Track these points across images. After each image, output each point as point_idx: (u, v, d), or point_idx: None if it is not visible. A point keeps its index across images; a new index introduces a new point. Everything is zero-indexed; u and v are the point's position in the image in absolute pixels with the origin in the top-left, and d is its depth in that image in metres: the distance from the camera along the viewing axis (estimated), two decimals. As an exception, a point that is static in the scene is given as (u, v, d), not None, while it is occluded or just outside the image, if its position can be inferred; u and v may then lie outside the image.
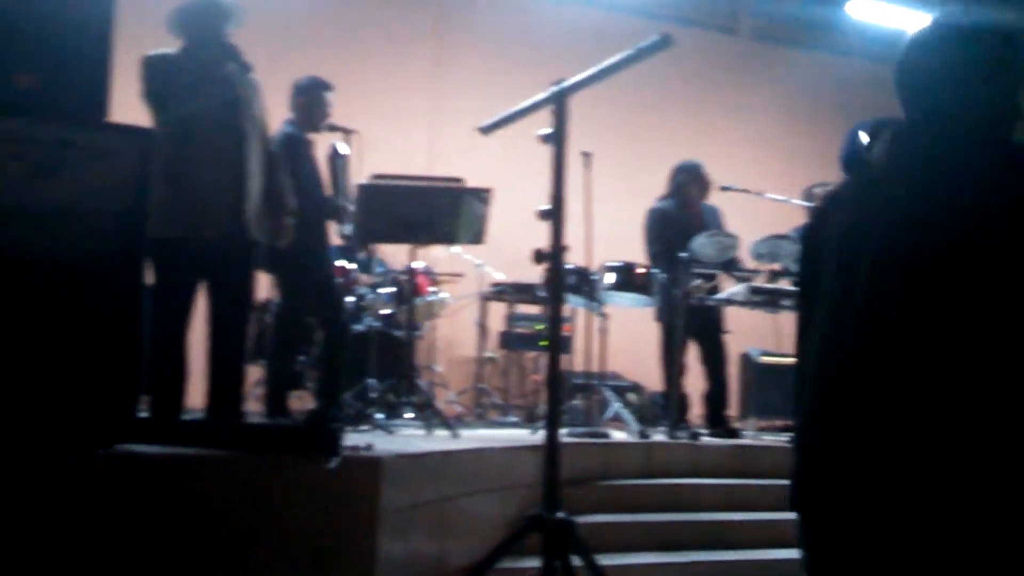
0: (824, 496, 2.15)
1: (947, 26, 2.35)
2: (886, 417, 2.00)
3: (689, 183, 7.31)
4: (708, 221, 7.24)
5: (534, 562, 2.91)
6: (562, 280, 3.04)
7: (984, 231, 1.97)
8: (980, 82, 2.19)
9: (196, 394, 4.80)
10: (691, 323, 6.93)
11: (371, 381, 6.50)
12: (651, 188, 7.95)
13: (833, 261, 2.19)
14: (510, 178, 7.91)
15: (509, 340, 8.87)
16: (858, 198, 2.24)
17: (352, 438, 3.82)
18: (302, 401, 7.13)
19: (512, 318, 8.81)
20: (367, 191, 5.64)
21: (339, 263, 6.79)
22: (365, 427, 5.52)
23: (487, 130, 3.22)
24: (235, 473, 3.36)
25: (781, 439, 7.46)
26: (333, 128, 6.00)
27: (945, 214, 2.02)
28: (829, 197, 2.35)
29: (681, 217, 7.21)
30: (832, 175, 8.40)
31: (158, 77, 4.64)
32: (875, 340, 2.04)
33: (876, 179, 2.21)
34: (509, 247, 7.65)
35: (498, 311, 8.89)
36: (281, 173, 5.16)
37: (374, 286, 7.41)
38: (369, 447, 3.60)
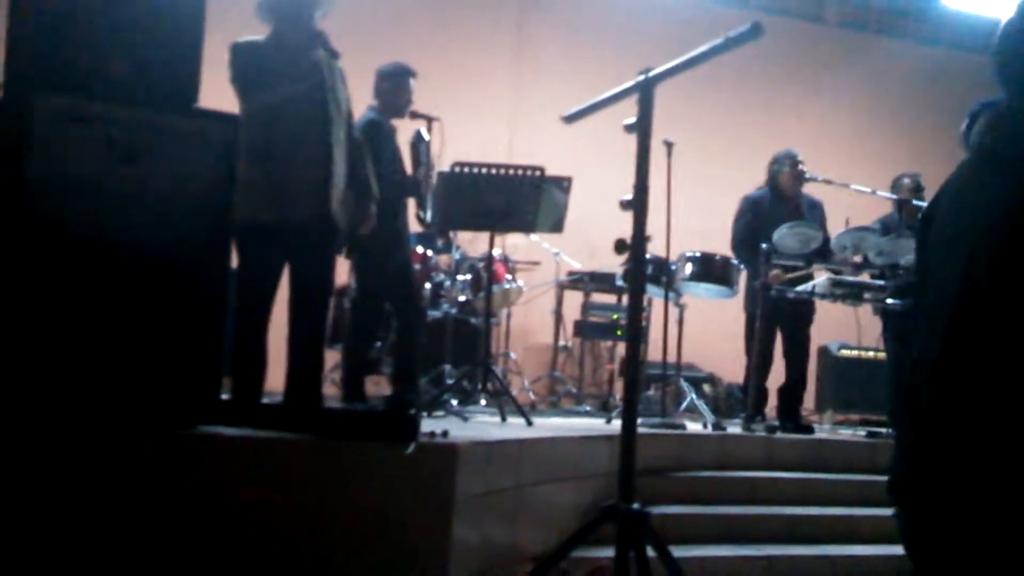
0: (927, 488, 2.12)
1: None
2: (973, 410, 1.97)
3: (780, 172, 7.22)
4: (807, 214, 7.15)
5: (608, 552, 2.90)
6: (643, 270, 3.02)
7: None
8: None
9: (276, 378, 4.86)
10: (778, 315, 6.85)
11: (447, 367, 6.54)
12: (734, 178, 7.89)
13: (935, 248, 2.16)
14: (589, 167, 7.89)
15: (584, 329, 8.86)
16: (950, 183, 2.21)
17: (428, 424, 3.85)
18: (378, 387, 7.20)
19: (588, 307, 8.79)
20: (448, 178, 5.66)
21: (417, 249, 6.85)
22: (440, 413, 5.55)
23: (571, 119, 3.20)
24: (312, 457, 3.39)
25: (857, 434, 7.36)
26: (415, 115, 6.03)
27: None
28: (945, 182, 2.32)
29: (774, 207, 7.12)
30: (919, 166, 8.28)
31: (247, 63, 4.68)
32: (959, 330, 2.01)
33: (966, 163, 2.18)
34: (586, 236, 7.66)
35: (574, 300, 8.89)
36: (365, 159, 5.20)
37: (452, 273, 7.44)
38: (445, 433, 3.61)
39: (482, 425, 5.16)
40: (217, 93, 4.46)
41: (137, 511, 3.16)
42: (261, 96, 4.64)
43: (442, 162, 5.87)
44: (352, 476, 3.37)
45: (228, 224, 3.64)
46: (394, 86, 6.02)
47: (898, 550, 5.25)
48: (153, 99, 3.48)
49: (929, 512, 2.13)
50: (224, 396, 4.20)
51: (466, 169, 5.58)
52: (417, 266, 6.77)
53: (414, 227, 6.31)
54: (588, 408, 7.91)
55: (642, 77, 2.90)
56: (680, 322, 7.03)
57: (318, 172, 4.74)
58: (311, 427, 3.54)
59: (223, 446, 3.33)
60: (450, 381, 6.26)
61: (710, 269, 6.86)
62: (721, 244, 7.24)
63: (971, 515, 2.00)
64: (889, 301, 6.92)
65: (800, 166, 7.14)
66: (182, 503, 3.20)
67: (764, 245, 6.56)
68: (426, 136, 5.95)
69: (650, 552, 2.86)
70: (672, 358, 6.95)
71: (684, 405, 7.11)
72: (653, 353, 7.82)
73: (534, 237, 7.93)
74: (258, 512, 3.25)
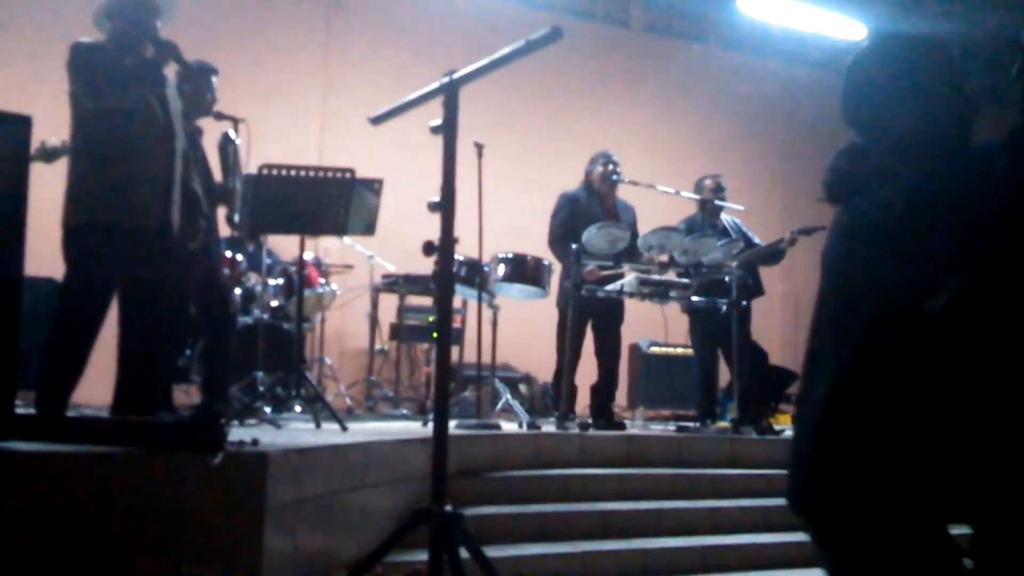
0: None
1: (883, 38, 2.42)
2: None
3: (594, 171, 7.36)
4: (620, 216, 7.30)
5: (423, 555, 2.90)
6: (451, 273, 3.03)
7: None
8: (917, 92, 2.27)
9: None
10: (589, 313, 6.98)
11: (259, 374, 6.41)
12: (545, 179, 8.00)
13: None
14: (403, 169, 7.88)
15: (400, 332, 8.82)
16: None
17: (238, 433, 3.76)
18: (188, 395, 7.00)
19: (404, 310, 8.75)
20: (256, 181, 5.54)
21: (226, 254, 6.68)
22: (253, 421, 5.44)
23: (377, 120, 3.19)
24: (117, 470, 3.27)
25: (668, 428, 7.58)
26: (220, 116, 5.88)
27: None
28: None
29: (590, 206, 7.26)
30: (720, 167, 8.61)
31: (91, 64, 4.57)
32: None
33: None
34: (401, 238, 7.61)
35: (390, 303, 8.84)
36: (192, 171, 5.14)
37: (263, 278, 7.30)
38: (255, 442, 3.54)
39: (296, 432, 5.07)
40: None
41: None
42: (107, 99, 4.53)
43: (249, 164, 5.75)
44: (158, 488, 3.26)
45: (21, 229, 3.46)
46: (197, 86, 5.86)
47: (703, 540, 5.43)
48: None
49: (834, 521, 2.21)
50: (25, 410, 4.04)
51: (274, 171, 5.48)
52: (226, 271, 6.60)
53: (224, 231, 6.16)
54: (405, 412, 7.88)
55: (446, 79, 2.91)
56: (494, 323, 7.08)
57: (160, 179, 4.67)
58: (115, 439, 3.41)
59: (17, 461, 3.17)
60: (262, 388, 6.13)
61: (522, 270, 6.94)
62: (535, 245, 7.33)
63: (871, 519, 2.09)
64: (694, 299, 7.14)
65: (611, 166, 7.31)
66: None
67: (574, 245, 6.67)
68: (234, 137, 5.81)
69: (464, 553, 2.87)
70: (487, 359, 7.00)
71: (500, 405, 7.17)
72: (469, 355, 7.85)
73: (347, 240, 7.86)
74: (59, 528, 3.11)
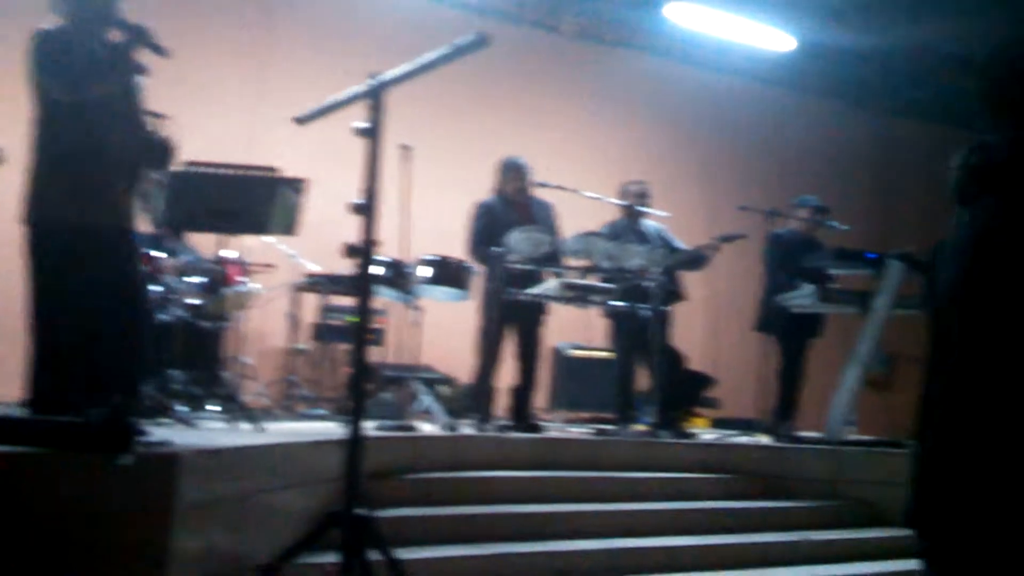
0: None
1: None
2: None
3: (508, 179, 7.39)
4: (537, 217, 7.33)
5: (336, 557, 2.90)
6: (371, 275, 3.03)
7: None
8: None
9: None
10: (511, 316, 7.00)
11: (175, 373, 6.32)
12: (472, 183, 8.00)
13: None
14: (331, 169, 7.82)
15: (321, 332, 8.77)
16: None
17: (150, 432, 3.72)
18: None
19: (325, 310, 8.70)
20: (177, 177, 5.48)
21: (145, 250, 6.58)
22: (166, 420, 5.37)
23: (303, 121, 3.20)
24: (24, 471, 3.23)
25: (586, 431, 7.63)
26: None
27: None
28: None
29: (506, 212, 7.28)
30: (645, 173, 8.70)
31: (58, 53, 4.39)
32: None
33: None
34: (324, 238, 7.55)
35: (311, 303, 8.79)
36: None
37: (182, 275, 7.19)
38: (166, 442, 3.51)
39: (210, 432, 5.03)
40: None
41: None
42: (88, 90, 4.40)
43: (174, 161, 5.68)
44: (65, 488, 3.23)
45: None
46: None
47: (617, 543, 5.47)
48: None
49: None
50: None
51: (196, 168, 5.43)
52: (144, 268, 6.50)
53: (143, 227, 6.07)
54: (324, 412, 7.83)
55: (371, 83, 2.92)
56: (417, 324, 7.06)
57: (123, 173, 4.60)
58: (22, 440, 3.36)
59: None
60: (177, 387, 6.05)
61: (446, 272, 6.95)
62: (459, 247, 7.33)
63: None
64: (616, 303, 7.21)
65: (525, 176, 7.35)
66: None
67: (497, 249, 6.69)
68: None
69: (377, 556, 2.87)
70: (409, 360, 7.00)
71: (419, 407, 7.17)
72: (390, 356, 7.83)
73: (269, 239, 7.79)
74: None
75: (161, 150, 4.93)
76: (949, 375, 2.30)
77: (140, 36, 4.58)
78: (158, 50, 4.62)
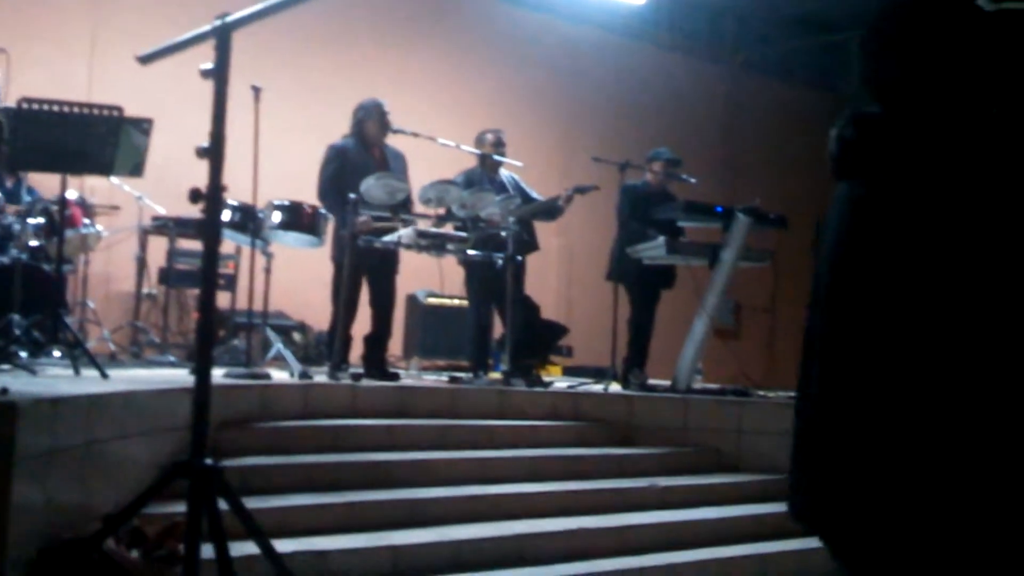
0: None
1: None
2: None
3: (367, 121, 7.27)
4: (391, 165, 7.25)
5: (183, 506, 2.84)
6: (218, 221, 2.96)
7: None
8: None
9: None
10: (365, 264, 6.93)
11: (15, 318, 6.08)
12: (326, 125, 7.87)
13: None
14: (176, 108, 7.59)
15: (170, 276, 8.57)
16: None
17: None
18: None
19: (173, 254, 8.49)
20: (15, 115, 5.24)
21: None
22: (6, 367, 5.17)
23: (146, 60, 3.07)
24: None
25: (441, 379, 7.66)
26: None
27: None
28: None
29: (360, 156, 7.17)
30: (502, 123, 8.69)
31: None
32: None
33: None
34: (172, 180, 7.34)
35: (159, 246, 8.56)
36: None
37: (22, 216, 6.91)
38: (4, 391, 3.38)
39: (53, 380, 4.86)
40: None
41: None
42: None
43: (9, 97, 5.43)
44: None
45: None
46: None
47: (471, 490, 5.52)
48: None
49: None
50: None
51: (35, 106, 5.19)
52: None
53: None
54: (172, 359, 7.67)
55: (217, 23, 2.83)
56: (267, 270, 6.94)
57: None
58: None
59: None
60: (18, 332, 5.83)
61: (298, 218, 6.84)
62: (312, 192, 7.21)
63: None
64: (471, 252, 7.21)
65: (386, 116, 7.26)
66: None
67: (352, 196, 6.61)
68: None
69: (224, 506, 2.83)
70: (261, 307, 6.89)
71: (271, 354, 7.07)
72: (241, 302, 7.70)
73: (115, 180, 7.54)
74: None
75: None
76: (823, 356, 2.35)
77: None
78: None
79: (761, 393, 7.83)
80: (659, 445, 6.76)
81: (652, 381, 8.05)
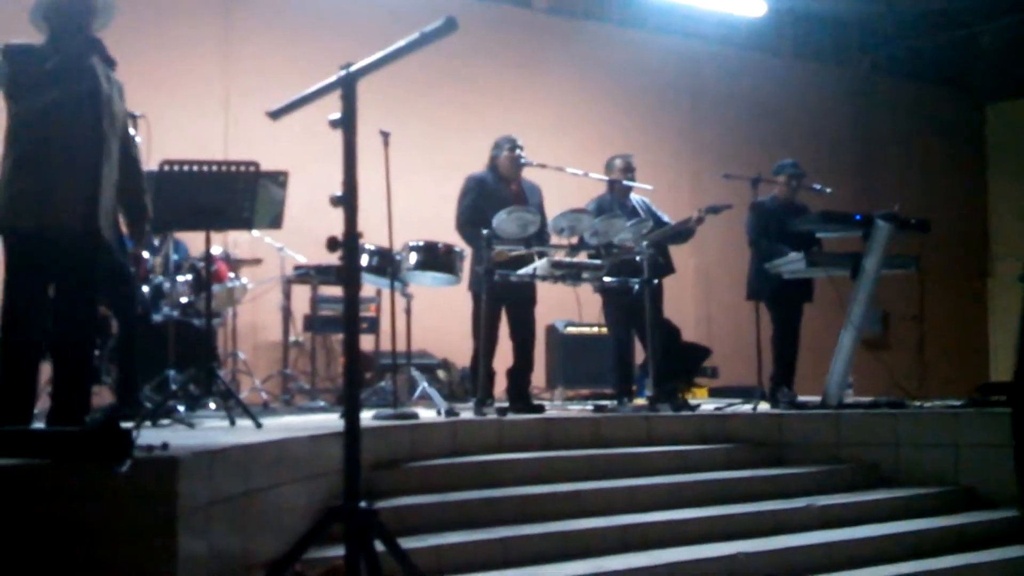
0: None
1: None
2: None
3: (499, 156, 7.34)
4: (527, 198, 7.30)
5: (342, 550, 2.88)
6: (356, 268, 3.01)
7: None
8: None
9: None
10: (503, 297, 6.97)
11: (171, 373, 6.31)
12: (456, 163, 7.97)
13: None
14: (310, 159, 7.77)
15: (315, 323, 8.76)
16: None
17: (150, 435, 3.70)
18: (100, 396, 6.86)
19: (317, 300, 8.69)
20: (157, 177, 5.45)
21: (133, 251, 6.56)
22: (166, 421, 5.35)
23: (277, 115, 3.15)
24: (23, 482, 3.21)
25: (585, 408, 7.63)
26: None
27: None
28: None
29: (497, 189, 7.24)
30: (629, 147, 8.67)
31: (18, 66, 4.55)
32: None
33: None
34: (310, 229, 7.51)
35: (303, 294, 8.77)
36: (142, 178, 5.15)
37: (171, 274, 7.17)
38: (165, 446, 3.48)
39: (209, 431, 5.01)
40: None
41: None
42: (32, 99, 4.49)
43: (150, 161, 5.65)
44: (64, 500, 3.21)
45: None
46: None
47: (621, 520, 5.46)
48: None
49: None
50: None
51: (176, 167, 5.39)
52: (132, 268, 6.48)
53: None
54: (323, 403, 7.83)
55: (342, 73, 2.89)
56: (408, 311, 7.03)
57: (86, 183, 4.59)
58: (18, 451, 3.34)
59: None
60: (174, 387, 6.04)
61: (434, 257, 6.91)
62: (447, 230, 7.30)
63: None
64: (606, 279, 7.19)
65: (518, 150, 7.30)
66: None
67: (484, 231, 6.65)
68: (133, 134, 5.69)
69: (381, 547, 2.86)
70: (404, 347, 6.97)
71: (417, 393, 7.15)
72: (385, 343, 7.81)
73: (256, 233, 7.76)
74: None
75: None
76: None
77: (92, 47, 4.73)
78: (110, 62, 4.81)
79: (917, 403, 7.57)
80: (812, 463, 6.61)
81: (801, 398, 7.88)
